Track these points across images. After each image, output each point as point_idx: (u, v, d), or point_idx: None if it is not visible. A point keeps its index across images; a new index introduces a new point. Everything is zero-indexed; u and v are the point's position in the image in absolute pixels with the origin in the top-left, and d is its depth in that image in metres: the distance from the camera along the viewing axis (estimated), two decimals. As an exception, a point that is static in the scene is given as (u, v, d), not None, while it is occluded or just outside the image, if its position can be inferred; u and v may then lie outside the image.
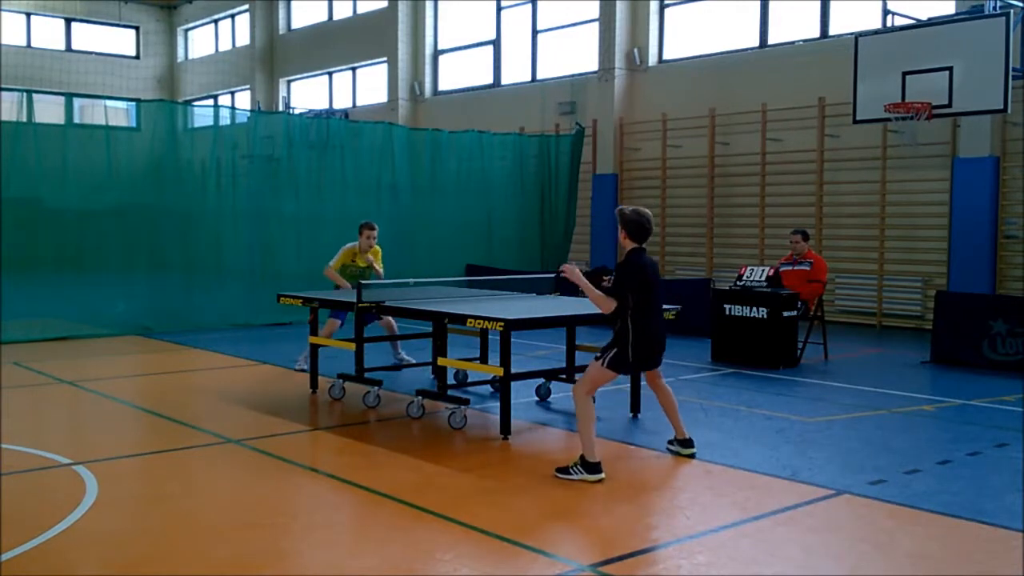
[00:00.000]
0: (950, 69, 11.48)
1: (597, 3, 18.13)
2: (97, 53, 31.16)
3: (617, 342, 6.05)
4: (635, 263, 6.04)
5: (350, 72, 25.68)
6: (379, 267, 10.10)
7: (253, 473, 6.19)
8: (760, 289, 10.49)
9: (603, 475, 5.83)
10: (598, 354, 6.16)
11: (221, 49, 31.21)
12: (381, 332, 9.79)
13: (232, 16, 30.53)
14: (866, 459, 6.47)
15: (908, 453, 6.68)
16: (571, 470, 5.87)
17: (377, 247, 10.14)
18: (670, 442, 6.58)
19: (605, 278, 6.34)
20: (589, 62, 18.63)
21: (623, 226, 6.13)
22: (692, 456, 6.42)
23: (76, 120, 14.26)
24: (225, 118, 15.50)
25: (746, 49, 16.37)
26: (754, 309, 10.40)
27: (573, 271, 6.24)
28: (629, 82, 17.87)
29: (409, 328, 9.97)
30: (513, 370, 7.07)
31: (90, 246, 12.92)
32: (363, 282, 8.40)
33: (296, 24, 27.80)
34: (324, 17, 26.41)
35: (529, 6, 20.33)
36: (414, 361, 9.76)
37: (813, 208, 14.93)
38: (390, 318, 9.50)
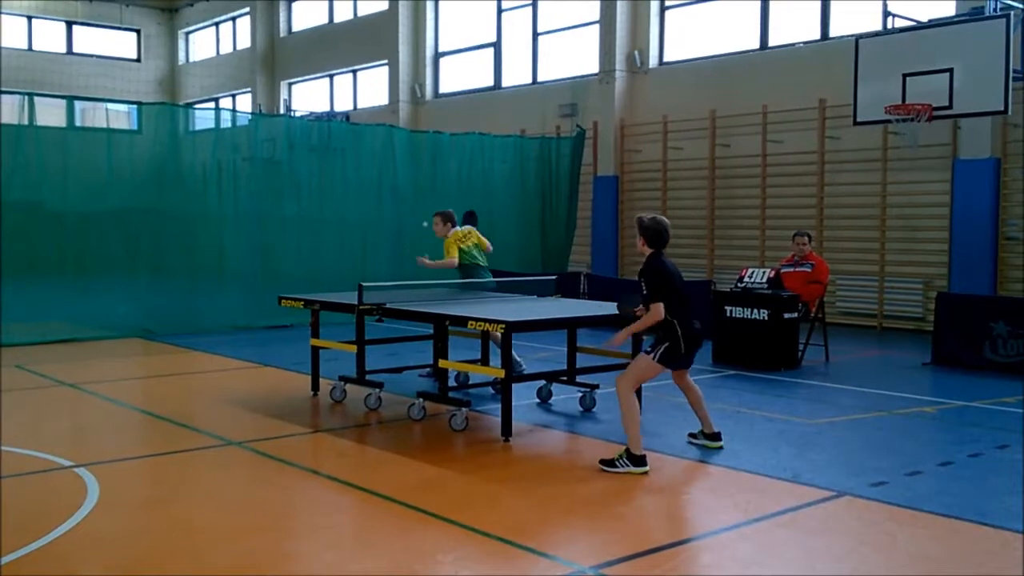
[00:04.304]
0: (951, 71, 11.48)
1: (598, 5, 18.14)
2: (98, 56, 31.20)
3: (667, 337, 6.25)
4: (658, 264, 6.30)
5: (351, 74, 25.69)
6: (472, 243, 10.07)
7: (254, 475, 6.20)
8: (761, 291, 10.49)
9: (648, 468, 6.03)
10: (647, 348, 6.35)
11: (222, 52, 31.24)
12: (382, 335, 9.80)
13: (233, 19, 30.56)
14: (867, 461, 6.48)
15: (909, 455, 6.68)
16: (617, 462, 6.05)
17: (470, 231, 10.05)
18: (693, 435, 6.80)
19: (636, 310, 6.55)
20: (590, 64, 18.64)
21: (641, 233, 6.41)
22: (720, 448, 6.67)
23: (77, 123, 14.28)
24: (226, 121, 15.53)
25: (747, 51, 16.37)
26: (755, 311, 10.40)
27: (622, 335, 6.52)
28: (630, 84, 17.88)
29: (410, 330, 9.98)
30: (514, 372, 7.07)
31: (91, 249, 12.91)
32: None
33: (297, 27, 27.83)
34: (325, 19, 26.43)
35: (530, 8, 20.34)
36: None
37: (814, 210, 14.92)
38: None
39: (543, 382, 8.39)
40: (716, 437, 6.71)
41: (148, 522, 5.22)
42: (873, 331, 13.99)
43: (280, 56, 28.01)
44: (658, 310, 6.18)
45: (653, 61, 17.76)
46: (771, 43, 16.09)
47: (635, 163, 17.84)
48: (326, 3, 26.34)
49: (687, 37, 17.42)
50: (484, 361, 8.92)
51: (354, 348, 8.41)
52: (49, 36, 30.79)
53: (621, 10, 17.64)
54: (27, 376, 9.77)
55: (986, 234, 13.00)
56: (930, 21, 12.31)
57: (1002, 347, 10.05)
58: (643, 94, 17.77)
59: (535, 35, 20.30)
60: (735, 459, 6.43)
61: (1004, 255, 13.11)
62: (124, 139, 13.65)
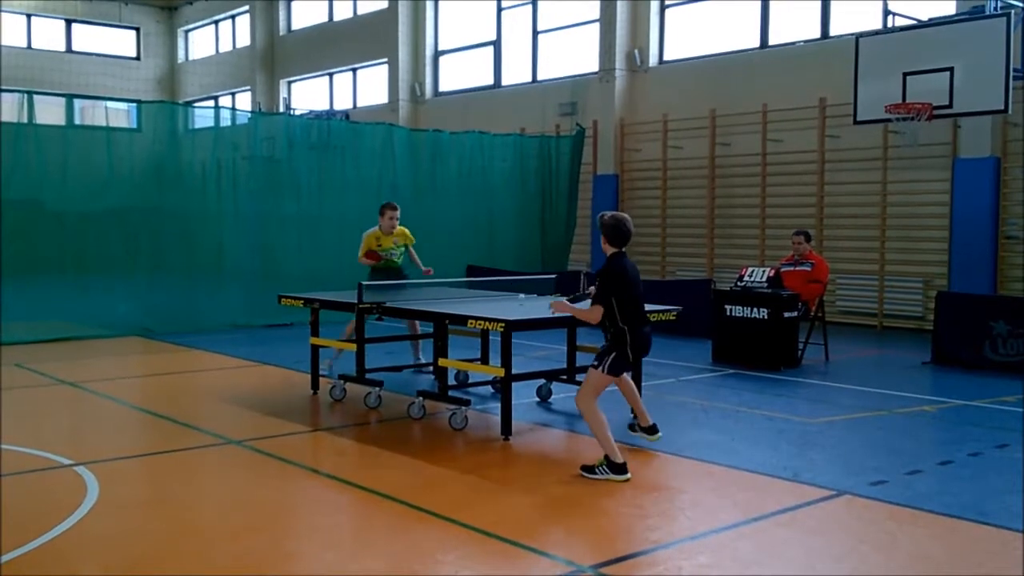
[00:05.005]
0: (951, 70, 11.47)
1: (598, 4, 18.13)
2: (98, 54, 31.18)
3: (615, 346, 6.13)
4: (616, 268, 6.15)
5: (351, 73, 25.68)
6: (414, 254, 10.18)
7: (254, 474, 6.20)
8: (761, 290, 10.49)
9: (629, 475, 5.91)
10: (595, 362, 6.20)
11: (222, 50, 31.23)
12: (382, 333, 9.80)
13: (232, 17, 30.54)
14: (867, 460, 6.48)
15: (909, 454, 6.68)
16: (597, 470, 5.96)
17: (404, 229, 10.03)
18: (631, 426, 6.86)
19: (589, 289, 6.48)
20: (590, 63, 18.63)
21: (604, 232, 6.25)
22: (656, 439, 6.69)
23: (77, 121, 14.27)
24: (226, 119, 15.51)
25: (747, 50, 16.36)
26: (755, 310, 10.40)
27: (560, 304, 6.47)
28: (630, 83, 17.88)
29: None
30: (514, 371, 7.08)
31: (91, 247, 12.90)
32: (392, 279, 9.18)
33: (296, 25, 27.81)
34: (324, 18, 26.41)
35: (529, 7, 20.33)
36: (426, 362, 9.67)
37: (814, 209, 14.92)
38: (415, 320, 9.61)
39: (543, 381, 8.39)
40: (652, 430, 6.69)
41: (147, 521, 5.22)
42: (873, 330, 13.98)
43: (280, 54, 27.99)
44: (596, 313, 6.08)
45: (653, 60, 17.75)
46: (771, 42, 16.08)
47: (635, 162, 17.83)
48: (326, 2, 26.32)
49: (687, 36, 17.41)
50: (484, 360, 8.92)
51: (354, 347, 8.41)
52: (48, 34, 30.77)
53: (621, 9, 17.63)
54: (27, 375, 9.77)
55: (986, 233, 12.99)
56: (930, 20, 12.30)
57: (1002, 346, 10.05)
58: (643, 93, 17.76)
59: (535, 33, 20.29)
60: (735, 458, 6.44)
61: (1004, 254, 13.11)
62: (124, 137, 13.64)
